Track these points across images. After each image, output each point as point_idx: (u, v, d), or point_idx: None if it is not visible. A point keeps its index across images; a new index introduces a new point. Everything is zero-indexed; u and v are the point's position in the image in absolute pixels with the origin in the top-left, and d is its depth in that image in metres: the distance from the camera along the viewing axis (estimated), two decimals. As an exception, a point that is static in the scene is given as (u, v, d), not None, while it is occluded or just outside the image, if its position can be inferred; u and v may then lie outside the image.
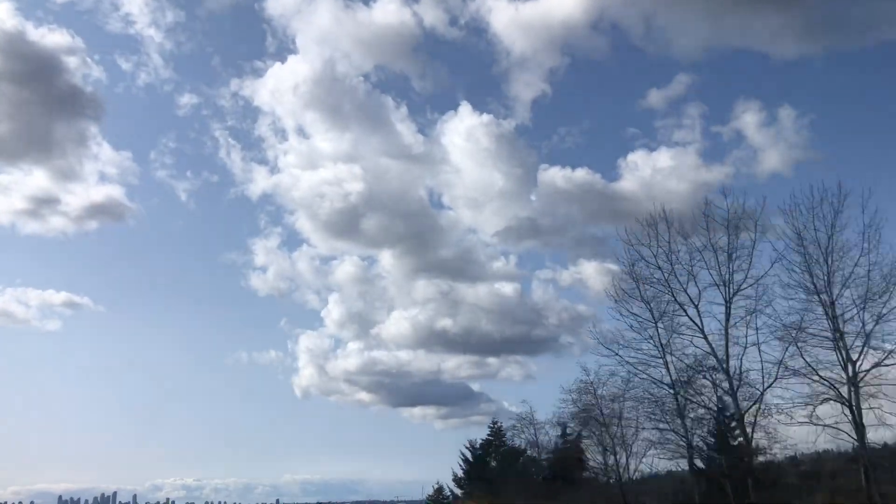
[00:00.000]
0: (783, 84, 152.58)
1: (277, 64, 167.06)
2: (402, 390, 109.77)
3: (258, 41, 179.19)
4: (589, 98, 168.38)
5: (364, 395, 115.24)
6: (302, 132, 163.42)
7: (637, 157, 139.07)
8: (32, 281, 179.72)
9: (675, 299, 39.87)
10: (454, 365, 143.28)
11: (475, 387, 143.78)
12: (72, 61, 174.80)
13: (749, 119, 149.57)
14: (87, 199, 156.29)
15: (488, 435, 64.31)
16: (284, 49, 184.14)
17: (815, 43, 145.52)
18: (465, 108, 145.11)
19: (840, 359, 34.29)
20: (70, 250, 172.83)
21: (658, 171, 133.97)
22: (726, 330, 38.23)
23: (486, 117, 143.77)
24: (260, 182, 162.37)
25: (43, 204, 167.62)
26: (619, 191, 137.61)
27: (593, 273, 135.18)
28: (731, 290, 38.43)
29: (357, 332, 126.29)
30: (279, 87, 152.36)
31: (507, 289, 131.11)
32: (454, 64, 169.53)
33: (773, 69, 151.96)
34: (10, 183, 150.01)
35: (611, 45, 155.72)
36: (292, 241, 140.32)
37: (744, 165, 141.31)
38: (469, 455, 64.02)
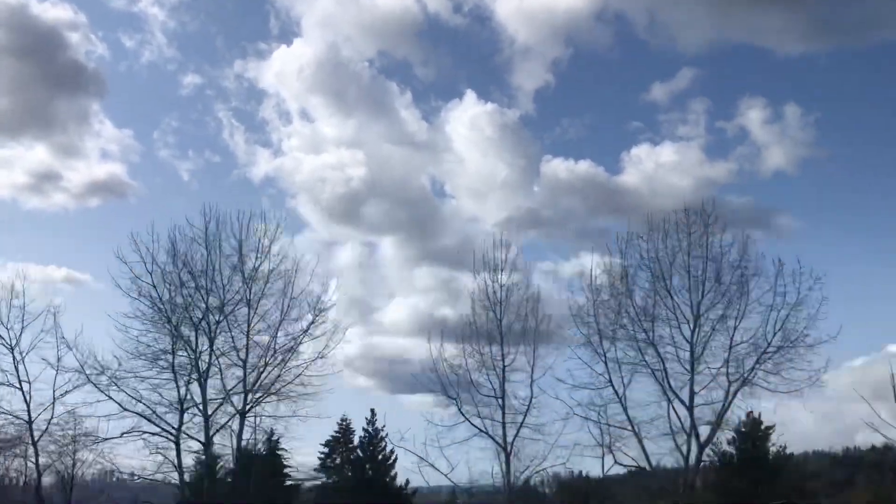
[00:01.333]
0: (789, 81, 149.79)
1: (283, 46, 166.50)
2: (401, 378, 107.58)
3: (262, 23, 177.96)
4: (592, 90, 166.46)
5: (363, 381, 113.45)
6: (306, 116, 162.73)
7: (641, 151, 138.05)
8: (33, 256, 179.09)
9: None
10: (454, 354, 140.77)
11: (475, 376, 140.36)
12: (74, 37, 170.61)
13: (754, 115, 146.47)
14: (88, 175, 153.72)
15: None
16: (289, 32, 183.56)
17: (822, 40, 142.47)
18: (469, 97, 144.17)
19: None
20: (71, 226, 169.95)
21: (661, 166, 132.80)
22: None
23: (490, 106, 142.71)
24: (262, 165, 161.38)
25: (44, 179, 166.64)
26: (622, 184, 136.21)
27: (595, 266, 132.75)
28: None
29: (357, 318, 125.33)
30: (284, 69, 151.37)
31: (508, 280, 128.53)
32: (458, 51, 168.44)
33: (779, 66, 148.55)
34: (11, 157, 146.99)
35: (614, 37, 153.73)
36: (294, 225, 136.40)
37: (747, 162, 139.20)
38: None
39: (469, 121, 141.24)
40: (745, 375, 30.04)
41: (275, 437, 40.68)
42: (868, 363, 62.05)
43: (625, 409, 30.68)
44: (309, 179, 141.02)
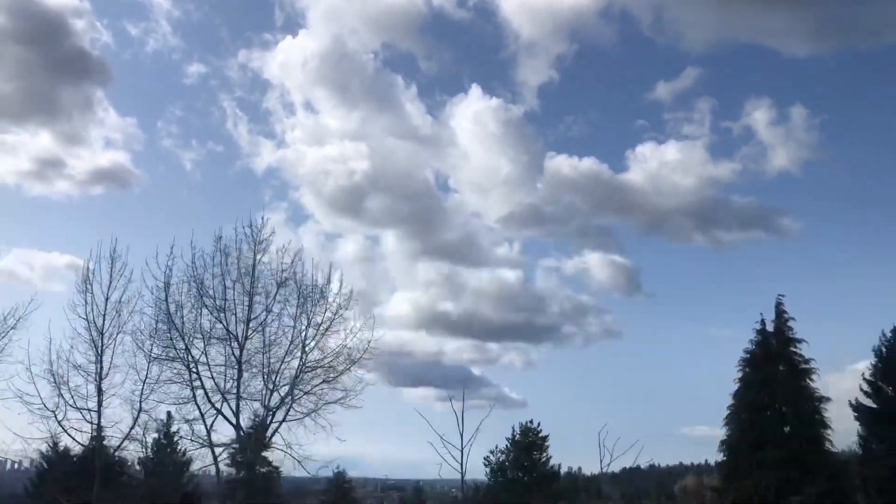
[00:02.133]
0: (795, 82, 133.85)
1: (288, 37, 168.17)
2: (402, 371, 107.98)
3: (267, 14, 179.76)
4: (596, 87, 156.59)
5: (365, 374, 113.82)
6: (310, 107, 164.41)
7: (645, 149, 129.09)
8: (37, 243, 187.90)
9: None
10: (455, 348, 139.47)
11: (476, 371, 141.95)
12: (79, 24, 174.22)
13: (759, 116, 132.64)
14: (92, 163, 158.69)
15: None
16: (294, 23, 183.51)
17: (828, 42, 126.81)
18: (474, 92, 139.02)
19: None
20: (75, 214, 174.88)
21: (665, 165, 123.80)
22: None
23: (494, 101, 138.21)
24: (266, 156, 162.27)
25: (48, 166, 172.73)
26: (626, 182, 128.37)
27: (597, 264, 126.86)
28: None
29: (359, 311, 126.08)
30: (289, 60, 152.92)
31: (510, 275, 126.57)
32: (462, 46, 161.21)
33: (785, 66, 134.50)
34: (16, 144, 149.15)
35: (619, 34, 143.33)
36: (297, 216, 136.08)
37: (752, 162, 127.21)
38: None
39: (473, 116, 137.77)
40: (283, 396, 28.66)
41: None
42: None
43: (206, 426, 29.86)
44: (312, 171, 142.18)
